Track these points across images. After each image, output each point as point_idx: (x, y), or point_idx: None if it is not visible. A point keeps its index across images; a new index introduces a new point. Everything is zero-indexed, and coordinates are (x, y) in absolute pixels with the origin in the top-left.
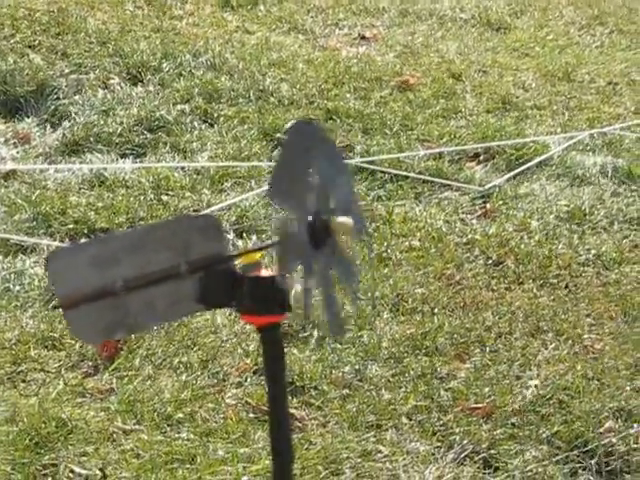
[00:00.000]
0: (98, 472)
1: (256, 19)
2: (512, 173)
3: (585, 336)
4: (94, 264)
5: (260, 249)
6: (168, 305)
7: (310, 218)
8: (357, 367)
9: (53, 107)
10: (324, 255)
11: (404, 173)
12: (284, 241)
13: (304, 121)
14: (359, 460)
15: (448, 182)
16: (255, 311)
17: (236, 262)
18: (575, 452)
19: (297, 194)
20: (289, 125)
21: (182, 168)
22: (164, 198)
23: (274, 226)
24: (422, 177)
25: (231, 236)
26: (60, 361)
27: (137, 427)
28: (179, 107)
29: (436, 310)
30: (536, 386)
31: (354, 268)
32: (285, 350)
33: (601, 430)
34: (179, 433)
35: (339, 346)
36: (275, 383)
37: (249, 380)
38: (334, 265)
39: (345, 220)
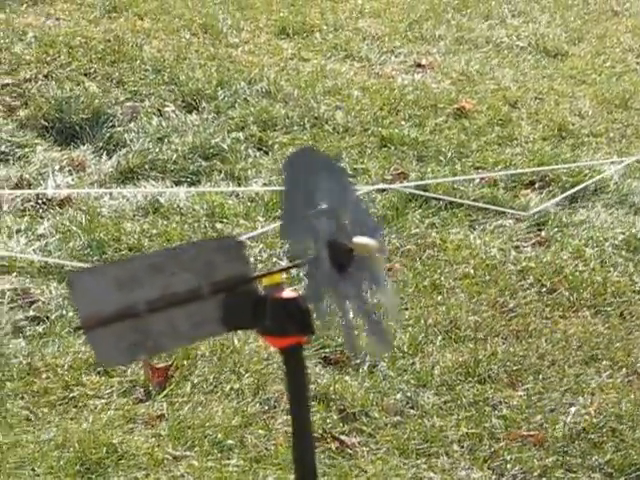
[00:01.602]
0: None
1: (312, 47)
2: (558, 198)
3: (639, 364)
4: (116, 285)
5: (282, 270)
6: (190, 326)
7: (328, 243)
8: (409, 394)
9: (108, 134)
10: (351, 277)
11: (458, 200)
12: (304, 263)
13: (300, 150)
14: None
15: (493, 207)
16: (277, 332)
17: (259, 284)
18: None
19: (309, 223)
20: (286, 158)
21: (236, 195)
22: (218, 225)
23: (291, 249)
24: (471, 203)
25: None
26: (112, 387)
27: (187, 453)
28: (234, 135)
29: (489, 337)
30: (589, 414)
31: (384, 285)
32: (337, 376)
33: None
34: (229, 459)
35: (391, 373)
36: (298, 405)
37: None
38: (366, 284)
39: (364, 240)
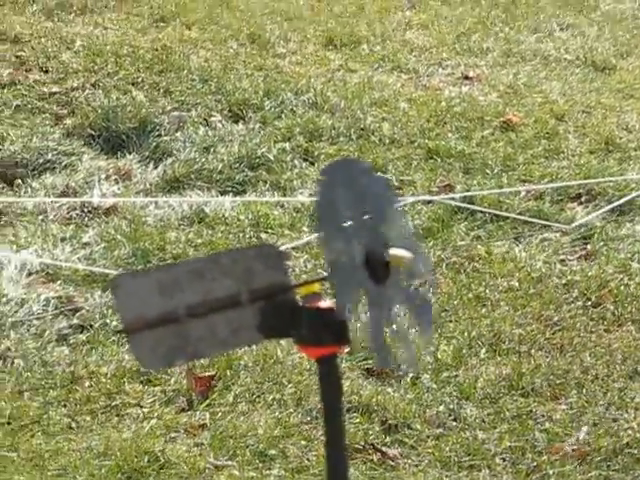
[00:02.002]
0: None
1: (359, 58)
2: (600, 211)
3: None
4: (158, 290)
5: (319, 280)
6: (229, 333)
7: (364, 252)
8: (451, 406)
9: (155, 144)
10: (387, 290)
11: (503, 213)
12: (339, 273)
13: (341, 159)
14: None
15: (536, 220)
16: (312, 342)
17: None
18: None
19: (346, 232)
20: (329, 163)
21: (281, 206)
22: (263, 235)
23: (327, 259)
24: (516, 216)
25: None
26: (155, 396)
27: (229, 463)
28: (280, 145)
29: (533, 351)
30: (632, 428)
31: (425, 305)
32: (379, 388)
33: None
34: (270, 469)
35: (434, 385)
36: (332, 415)
37: None
38: (402, 301)
39: (400, 252)
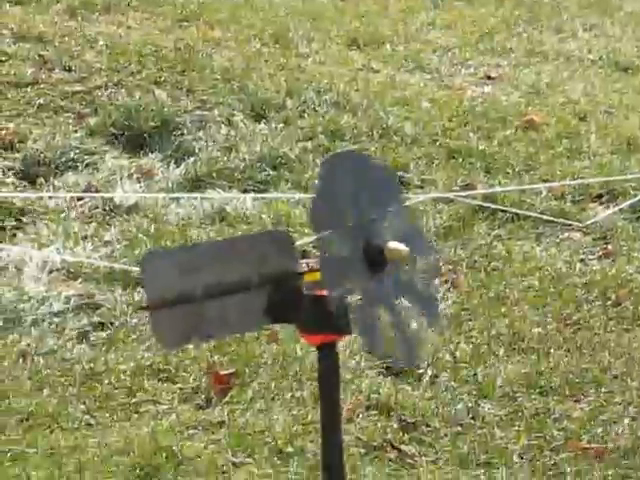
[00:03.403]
0: None
1: (382, 58)
2: (615, 208)
3: None
4: (180, 270)
5: None
6: (239, 316)
7: (361, 244)
8: (470, 405)
9: (177, 143)
10: (385, 282)
11: (523, 212)
12: (333, 261)
13: (348, 150)
14: None
15: (550, 218)
16: (313, 329)
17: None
18: None
19: (344, 220)
20: (331, 154)
21: (303, 204)
22: None
23: (321, 247)
24: (536, 215)
25: None
26: (173, 393)
27: (247, 460)
28: (302, 144)
29: (552, 350)
30: None
31: (429, 296)
32: (398, 386)
33: None
34: (288, 467)
35: (453, 384)
36: (329, 400)
37: (361, 416)
38: (403, 293)
39: (397, 246)
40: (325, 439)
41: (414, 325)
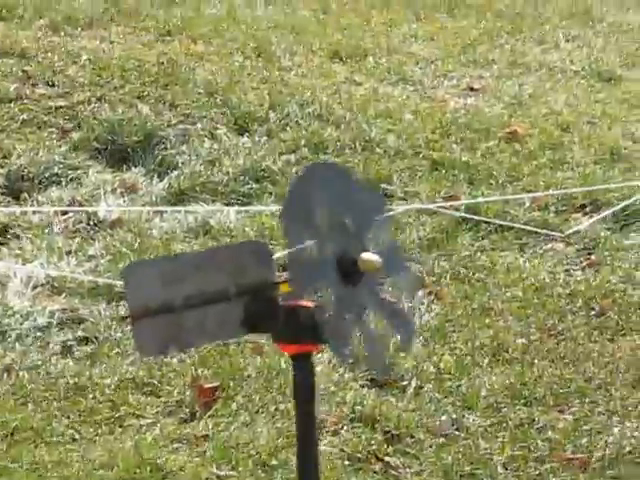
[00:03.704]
0: None
1: (364, 70)
2: (595, 218)
3: None
4: (162, 280)
5: None
6: (216, 325)
7: (334, 253)
8: (454, 416)
9: (160, 157)
10: (359, 292)
11: (507, 223)
12: (303, 267)
13: (327, 162)
14: None
15: (529, 227)
16: (288, 339)
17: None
18: None
19: (315, 228)
20: (310, 164)
21: None
22: None
23: (289, 255)
24: (518, 225)
25: None
26: (158, 407)
27: (231, 473)
28: (285, 157)
29: (536, 360)
30: (635, 437)
31: (400, 310)
32: (382, 398)
33: None
34: (272, 479)
35: (437, 395)
36: (305, 411)
37: (345, 428)
38: (373, 305)
39: (370, 257)
40: (300, 450)
41: (385, 336)
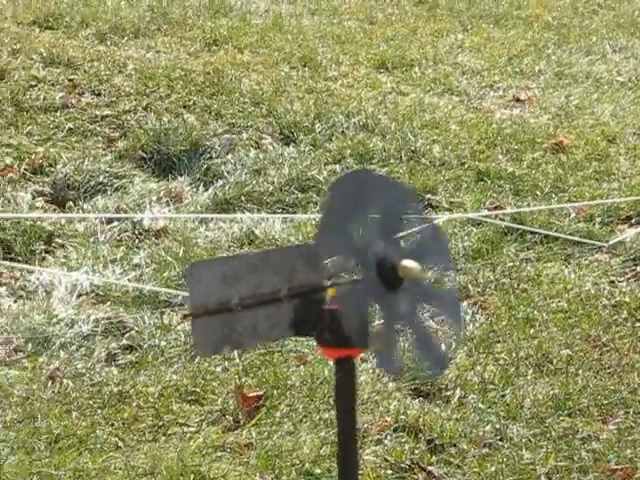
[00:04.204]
0: None
1: (410, 80)
2: (635, 229)
3: None
4: (221, 279)
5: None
6: (268, 327)
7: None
8: (498, 426)
9: (206, 166)
10: (403, 296)
11: (551, 233)
12: (345, 280)
13: (364, 169)
14: None
15: (572, 238)
16: (331, 343)
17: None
18: None
19: (353, 237)
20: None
21: None
22: None
23: (333, 266)
24: (564, 236)
25: None
26: (201, 415)
27: None
28: (330, 167)
29: (580, 371)
30: None
31: (452, 304)
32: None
33: None
34: None
35: (481, 405)
36: (346, 416)
37: (389, 437)
38: (424, 304)
39: (409, 264)
40: (341, 455)
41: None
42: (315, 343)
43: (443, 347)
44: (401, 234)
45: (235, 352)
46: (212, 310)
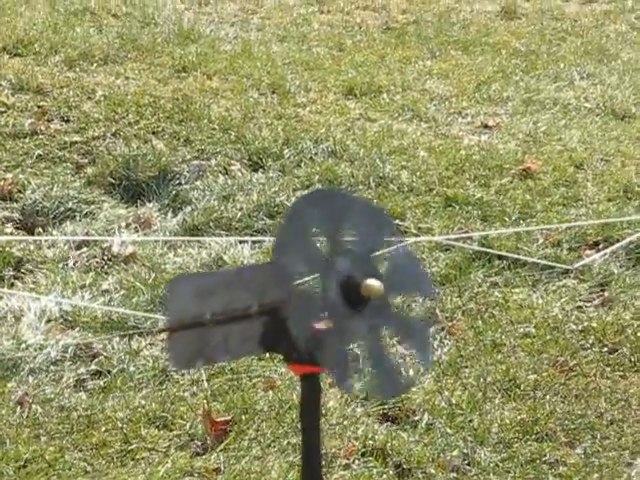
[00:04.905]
0: None
1: (379, 107)
2: (604, 252)
3: None
4: (197, 294)
5: None
6: (238, 343)
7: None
8: (466, 451)
9: (174, 192)
10: (366, 316)
11: (518, 257)
12: (301, 297)
13: (331, 188)
14: None
15: (540, 261)
16: (297, 360)
17: None
18: None
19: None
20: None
21: None
22: None
23: (290, 288)
24: (528, 259)
25: None
26: (170, 440)
27: None
28: (299, 193)
29: (548, 396)
30: None
31: (415, 326)
32: (394, 432)
33: None
34: None
35: (448, 430)
36: (310, 431)
37: (356, 462)
38: (386, 324)
39: (372, 282)
40: (304, 470)
41: (397, 359)
42: (283, 366)
43: (407, 372)
44: (374, 254)
45: (203, 377)
46: (187, 325)
